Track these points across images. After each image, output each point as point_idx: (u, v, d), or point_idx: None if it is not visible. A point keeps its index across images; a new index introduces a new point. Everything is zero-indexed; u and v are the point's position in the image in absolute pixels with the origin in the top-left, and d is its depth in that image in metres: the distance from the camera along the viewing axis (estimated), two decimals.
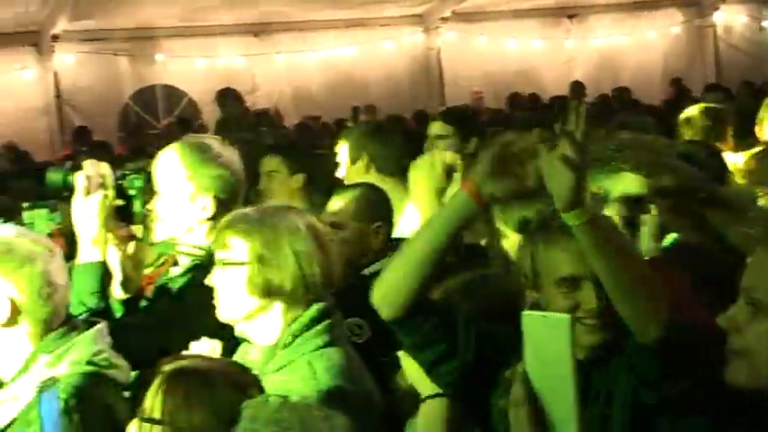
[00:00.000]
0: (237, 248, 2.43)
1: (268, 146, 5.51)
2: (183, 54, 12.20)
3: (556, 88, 12.63)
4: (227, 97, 8.61)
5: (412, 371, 2.36)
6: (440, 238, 2.16)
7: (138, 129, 11.09)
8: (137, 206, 2.86)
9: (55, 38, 11.14)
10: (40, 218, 3.77)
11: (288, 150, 4.83)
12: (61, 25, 11.00)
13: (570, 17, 14.58)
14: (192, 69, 12.26)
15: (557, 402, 1.89)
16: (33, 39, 11.21)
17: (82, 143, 10.21)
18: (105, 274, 2.77)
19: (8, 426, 2.31)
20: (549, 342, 1.88)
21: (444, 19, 13.56)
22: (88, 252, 2.77)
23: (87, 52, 11.56)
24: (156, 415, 2.07)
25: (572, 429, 1.88)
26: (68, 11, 10.70)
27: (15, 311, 2.34)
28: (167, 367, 2.13)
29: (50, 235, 3.52)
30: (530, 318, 1.93)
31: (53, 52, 11.24)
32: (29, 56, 11.24)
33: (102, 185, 2.78)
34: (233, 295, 2.45)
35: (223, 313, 2.48)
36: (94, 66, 11.68)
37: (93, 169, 2.79)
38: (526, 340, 1.91)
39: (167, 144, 2.99)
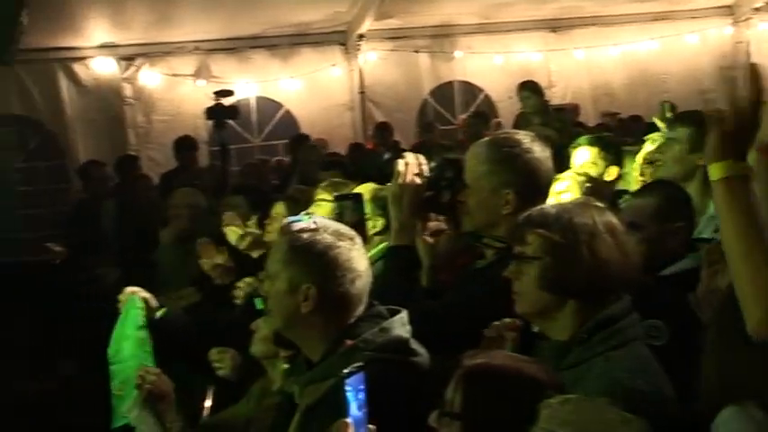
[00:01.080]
0: (533, 244, 2.44)
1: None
2: (480, 50, 12.33)
3: None
4: (527, 89, 8.55)
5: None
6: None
7: (430, 125, 11.31)
8: (445, 197, 2.92)
9: (361, 37, 11.64)
10: (346, 208, 3.98)
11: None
12: (367, 24, 11.48)
13: None
14: (489, 65, 12.36)
15: None
16: (341, 38, 11.78)
17: (383, 139, 10.62)
18: (412, 260, 2.87)
19: (312, 407, 2.45)
20: None
21: (757, 9, 12.80)
22: (398, 236, 2.89)
23: (390, 50, 11.96)
24: (456, 409, 2.10)
25: None
26: (374, 11, 11.15)
27: (319, 298, 2.47)
28: (468, 362, 2.15)
29: (357, 225, 3.70)
30: None
31: (358, 50, 11.74)
32: (337, 54, 11.81)
33: (419, 174, 2.88)
34: (528, 290, 2.45)
35: (519, 308, 2.50)
36: (396, 63, 12.06)
37: (413, 158, 2.89)
38: None
39: (464, 139, 3.05)
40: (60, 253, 7.87)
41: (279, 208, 4.86)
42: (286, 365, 3.17)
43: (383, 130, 10.90)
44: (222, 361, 3.91)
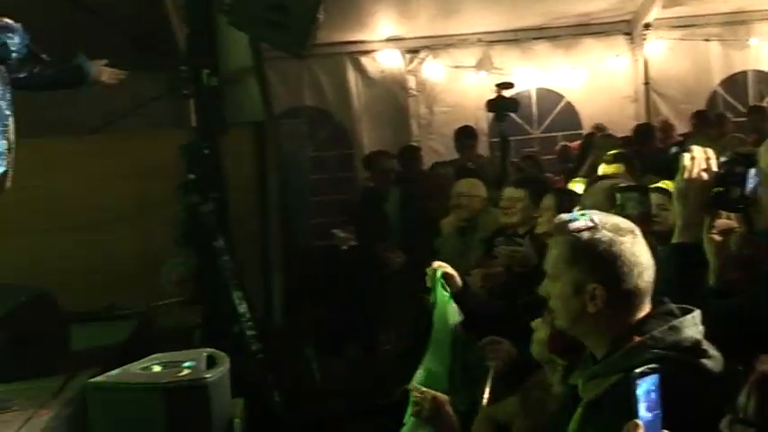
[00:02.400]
0: None
1: None
2: None
3: None
4: None
5: None
6: None
7: (722, 117, 10.77)
8: (735, 193, 2.78)
9: (647, 26, 11.30)
10: (630, 200, 3.89)
11: None
12: (654, 13, 11.12)
13: None
14: None
15: None
16: (626, 27, 11.49)
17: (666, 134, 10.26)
18: (698, 258, 2.76)
19: (594, 402, 2.42)
20: None
21: None
22: (683, 233, 2.79)
23: (678, 39, 11.53)
24: (750, 416, 2.00)
25: None
26: None
27: (606, 297, 2.42)
28: (763, 367, 2.05)
29: (641, 217, 3.61)
30: None
31: (644, 40, 11.41)
32: (621, 44, 11.53)
33: (706, 170, 2.76)
34: None
35: None
36: (683, 53, 11.61)
37: (700, 152, 2.77)
38: None
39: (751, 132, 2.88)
40: (346, 239, 8.25)
41: (548, 200, 4.82)
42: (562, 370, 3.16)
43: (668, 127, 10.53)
44: (495, 352, 3.94)
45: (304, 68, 10.51)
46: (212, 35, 6.00)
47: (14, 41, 4.09)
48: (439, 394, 3.60)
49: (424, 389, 3.63)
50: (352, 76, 10.98)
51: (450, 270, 4.23)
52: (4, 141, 4.07)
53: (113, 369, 3.92)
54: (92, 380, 3.83)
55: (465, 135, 9.44)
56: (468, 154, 9.28)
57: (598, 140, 8.53)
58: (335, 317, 7.29)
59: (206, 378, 3.69)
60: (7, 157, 4.18)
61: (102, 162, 7.22)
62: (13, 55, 4.08)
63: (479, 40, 11.15)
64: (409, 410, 3.62)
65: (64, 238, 7.10)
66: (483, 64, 11.16)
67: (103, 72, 4.44)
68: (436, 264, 4.23)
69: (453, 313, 4.11)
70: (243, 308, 5.54)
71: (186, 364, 3.81)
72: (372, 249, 7.81)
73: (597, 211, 2.58)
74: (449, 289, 4.17)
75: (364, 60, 11.05)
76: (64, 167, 7.20)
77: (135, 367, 3.86)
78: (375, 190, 8.85)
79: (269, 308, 6.67)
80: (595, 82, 11.45)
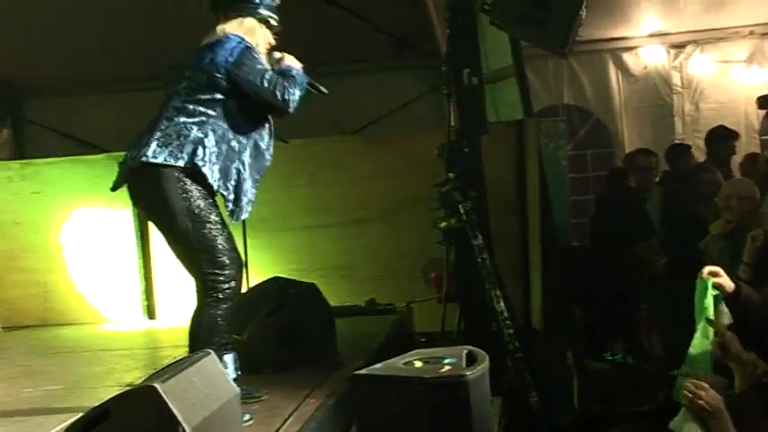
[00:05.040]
0: None
1: None
2: None
3: None
4: None
5: None
6: None
7: None
8: None
9: None
10: None
11: None
12: None
13: None
14: None
15: None
16: None
17: None
18: None
19: None
20: None
21: None
22: None
23: None
24: None
25: None
26: None
27: None
28: None
29: None
30: None
31: None
32: None
33: None
34: None
35: None
36: None
37: None
38: None
39: None
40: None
41: None
42: None
43: None
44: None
45: (563, 66, 10.37)
46: (473, 34, 6.01)
47: (294, 95, 4.20)
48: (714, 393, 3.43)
49: (698, 381, 3.47)
50: (613, 72, 10.72)
51: (721, 273, 4.04)
52: (255, 191, 4.25)
53: (375, 363, 4.02)
54: (356, 372, 3.93)
55: (717, 135, 8.94)
56: (723, 155, 8.79)
57: None
58: (596, 318, 7.15)
59: (466, 375, 3.70)
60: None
61: (364, 161, 7.44)
62: (292, 106, 4.19)
63: (751, 33, 10.56)
64: (679, 416, 3.47)
65: (327, 234, 7.37)
66: (755, 58, 10.57)
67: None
68: (707, 270, 4.04)
69: (723, 314, 3.94)
70: (501, 306, 5.52)
71: (447, 361, 3.84)
72: (634, 250, 7.61)
73: None
74: (719, 292, 3.99)
75: (626, 57, 10.76)
76: (328, 166, 7.49)
77: (398, 362, 3.93)
78: (636, 189, 8.62)
79: (527, 308, 6.63)
80: None
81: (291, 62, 4.35)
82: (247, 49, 4.18)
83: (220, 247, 4.05)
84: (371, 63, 9.75)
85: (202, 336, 4.04)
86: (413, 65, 9.81)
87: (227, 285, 4.05)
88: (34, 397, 4.77)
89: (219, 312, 4.05)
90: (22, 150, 10.35)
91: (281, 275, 5.55)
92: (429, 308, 6.42)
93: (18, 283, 7.67)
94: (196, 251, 4.04)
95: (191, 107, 4.13)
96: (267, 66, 4.23)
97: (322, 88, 4.44)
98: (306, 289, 5.26)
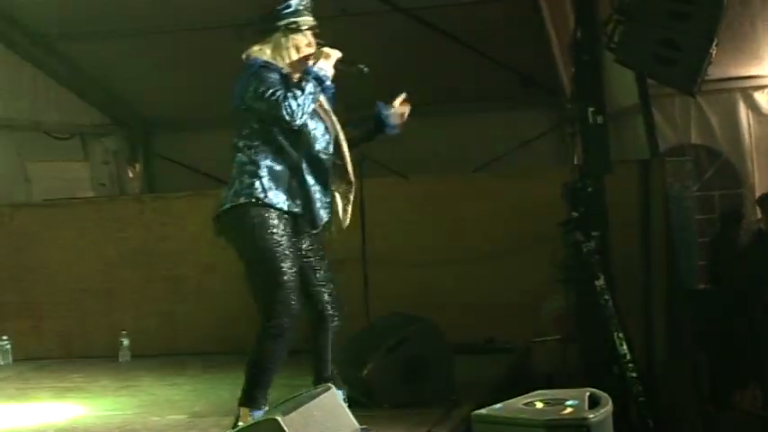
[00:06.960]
0: None
1: None
2: None
3: None
4: None
5: None
6: None
7: None
8: None
9: None
10: None
11: None
12: None
13: None
14: None
15: None
16: None
17: None
18: None
19: None
20: None
21: None
22: None
23: None
24: None
25: None
26: None
27: None
28: None
29: None
30: None
31: None
32: None
33: None
34: None
35: None
36: None
37: None
38: None
39: None
40: None
41: None
42: None
43: None
44: None
45: (691, 105, 10.15)
46: (598, 72, 5.97)
47: (298, 107, 4.18)
48: None
49: None
50: (743, 112, 10.42)
51: None
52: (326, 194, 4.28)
53: (492, 402, 3.98)
54: (476, 411, 3.91)
55: None
56: None
57: None
58: (724, 363, 6.93)
59: (589, 418, 3.63)
60: (343, 201, 4.36)
61: (486, 199, 7.43)
62: (297, 117, 4.12)
63: None
64: None
65: (449, 270, 7.37)
66: None
67: (396, 116, 4.46)
68: None
69: None
70: (624, 349, 5.41)
71: (569, 403, 3.77)
72: (761, 293, 7.38)
73: None
74: None
75: (757, 96, 10.47)
76: (450, 203, 7.50)
77: (518, 402, 3.89)
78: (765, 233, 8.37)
79: (650, 351, 6.47)
80: None
81: (322, 61, 4.22)
82: (257, 73, 4.17)
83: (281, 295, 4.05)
84: (495, 102, 9.76)
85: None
86: (536, 102, 9.78)
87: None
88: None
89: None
90: (152, 183, 10.73)
91: (401, 311, 5.56)
92: (549, 348, 6.34)
93: (149, 313, 7.93)
94: (261, 294, 4.12)
95: (241, 143, 4.25)
96: (273, 83, 4.14)
97: (363, 67, 4.30)
98: (426, 325, 5.27)
